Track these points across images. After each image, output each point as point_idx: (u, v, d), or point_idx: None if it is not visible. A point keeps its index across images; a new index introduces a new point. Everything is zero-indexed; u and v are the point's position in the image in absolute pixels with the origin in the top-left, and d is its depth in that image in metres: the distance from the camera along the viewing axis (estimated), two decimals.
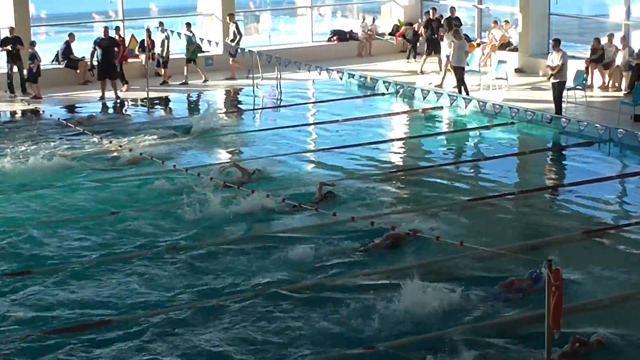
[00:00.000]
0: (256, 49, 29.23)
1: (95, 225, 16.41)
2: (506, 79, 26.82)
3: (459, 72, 25.98)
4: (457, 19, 29.60)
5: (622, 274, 14.13)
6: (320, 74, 27.81)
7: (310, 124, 24.52)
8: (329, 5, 36.47)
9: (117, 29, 28.62)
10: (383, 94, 26.87)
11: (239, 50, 28.95)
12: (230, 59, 29.33)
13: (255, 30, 34.98)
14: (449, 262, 14.58)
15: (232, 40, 29.10)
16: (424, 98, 25.66)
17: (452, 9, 30.11)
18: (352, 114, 24.87)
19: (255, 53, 28.20)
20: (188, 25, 28.95)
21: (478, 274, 14.08)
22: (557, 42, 23.95)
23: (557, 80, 23.57)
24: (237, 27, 29.31)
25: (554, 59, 23.63)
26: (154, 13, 34.75)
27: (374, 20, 33.28)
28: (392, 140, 22.75)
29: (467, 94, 25.63)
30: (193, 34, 28.81)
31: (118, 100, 27.02)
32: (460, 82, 25.92)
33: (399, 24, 33.02)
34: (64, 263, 14.72)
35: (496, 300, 13.17)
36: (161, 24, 28.89)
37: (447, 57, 26.81)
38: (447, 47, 26.79)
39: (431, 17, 29.88)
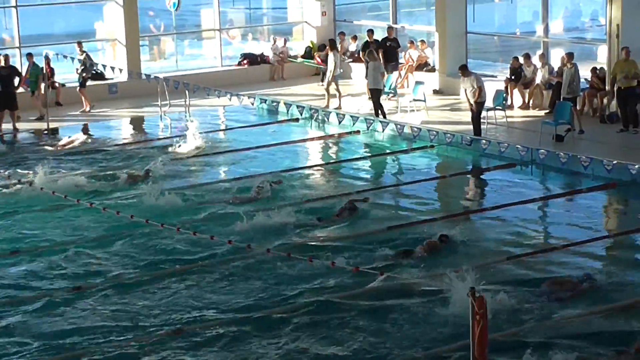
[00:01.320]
0: (163, 74, 28.22)
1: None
2: (424, 101, 26.11)
3: (375, 95, 25.18)
4: (395, 40, 28.73)
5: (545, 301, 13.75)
6: (230, 99, 26.80)
7: (221, 152, 23.27)
8: (238, 27, 35.72)
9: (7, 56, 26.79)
10: (297, 119, 25.90)
11: (88, 80, 27.82)
12: (79, 89, 27.89)
13: (162, 55, 33.91)
14: None
15: (84, 70, 27.66)
16: (340, 122, 24.81)
17: (390, 29, 29.16)
18: (265, 141, 23.95)
19: (161, 79, 27.10)
20: (79, 44, 27.69)
21: None
22: (464, 68, 23.29)
23: (477, 100, 22.88)
24: (87, 56, 27.84)
25: (468, 85, 22.98)
26: (54, 39, 33.38)
27: (285, 42, 32.43)
28: (307, 167, 21.79)
29: (384, 117, 24.86)
30: (87, 57, 27.51)
31: (16, 132, 25.67)
32: (377, 105, 25.12)
33: (311, 46, 32.23)
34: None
35: (547, 300, 13.68)
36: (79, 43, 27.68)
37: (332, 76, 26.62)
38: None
39: (369, 39, 28.72)
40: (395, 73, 28.50)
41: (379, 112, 25.14)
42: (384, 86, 26.20)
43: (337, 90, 27.35)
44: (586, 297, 13.81)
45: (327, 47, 28.31)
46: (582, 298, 13.79)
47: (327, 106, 26.76)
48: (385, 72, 26.64)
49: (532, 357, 11.79)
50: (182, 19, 35.70)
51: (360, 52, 26.12)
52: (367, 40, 28.47)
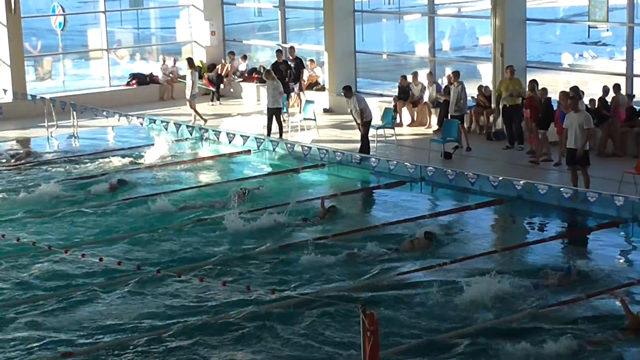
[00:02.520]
0: (49, 95, 27.72)
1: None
2: (315, 120, 26.18)
3: (274, 114, 25.25)
4: (298, 59, 28.56)
5: (434, 319, 13.94)
6: (119, 120, 26.48)
7: (106, 174, 22.86)
8: (127, 47, 35.38)
9: None
10: (187, 139, 25.71)
11: None
12: None
13: (48, 75, 33.39)
14: None
15: None
16: (230, 142, 24.72)
17: (291, 49, 29.04)
18: (155, 161, 23.65)
19: (48, 100, 26.64)
20: None
21: None
22: (347, 89, 23.46)
23: (363, 121, 23.09)
24: None
25: (352, 106, 23.23)
26: None
27: (175, 62, 32.22)
28: (198, 186, 21.57)
29: (281, 135, 25.05)
30: None
31: None
32: (270, 124, 25.23)
33: (201, 66, 32.07)
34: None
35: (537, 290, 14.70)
36: None
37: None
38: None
39: (278, 60, 28.40)
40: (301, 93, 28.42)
41: (280, 130, 25.23)
42: (283, 105, 26.24)
43: (194, 110, 27.46)
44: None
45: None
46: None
47: (205, 122, 26.98)
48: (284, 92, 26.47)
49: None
50: (69, 39, 35.27)
51: (268, 73, 26.07)
52: (276, 61, 28.28)
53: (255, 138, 24.38)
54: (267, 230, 18.17)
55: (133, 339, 13.47)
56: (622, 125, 22.30)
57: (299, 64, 28.33)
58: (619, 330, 13.26)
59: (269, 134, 25.06)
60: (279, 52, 28.56)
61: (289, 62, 28.30)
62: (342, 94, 23.92)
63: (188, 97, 27.50)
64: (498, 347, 12.87)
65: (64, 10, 31.86)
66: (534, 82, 22.89)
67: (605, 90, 22.71)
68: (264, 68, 31.02)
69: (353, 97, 23.26)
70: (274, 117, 25.28)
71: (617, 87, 22.63)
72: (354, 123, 23.86)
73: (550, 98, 22.23)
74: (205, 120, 27.28)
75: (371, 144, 23.50)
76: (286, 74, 27.63)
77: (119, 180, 21.23)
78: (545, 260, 16.27)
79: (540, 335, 13.14)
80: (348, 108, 23.95)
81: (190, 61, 28.00)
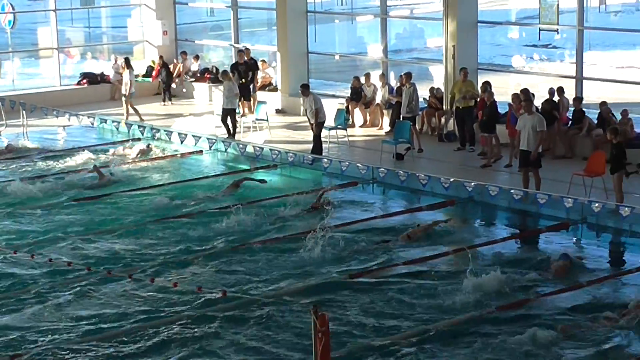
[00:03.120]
0: None
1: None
2: (267, 120, 26.14)
3: (229, 114, 25.26)
4: (252, 60, 28.30)
5: (386, 319, 14.02)
6: (69, 119, 26.28)
7: (55, 174, 22.68)
8: (77, 46, 35.09)
9: None
10: (139, 139, 25.57)
11: None
12: None
13: None
14: None
15: None
16: (182, 142, 24.63)
17: (247, 50, 28.72)
18: (106, 161, 23.51)
19: None
20: None
21: None
22: (305, 87, 23.48)
23: (316, 121, 23.08)
24: None
25: (307, 106, 23.25)
26: None
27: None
28: (149, 187, 21.41)
29: (233, 136, 25.05)
30: None
31: None
32: (226, 122, 25.22)
33: (152, 65, 31.92)
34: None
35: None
36: None
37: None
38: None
39: (239, 60, 28.15)
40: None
41: (230, 129, 25.21)
42: (238, 106, 26.16)
43: (132, 108, 27.57)
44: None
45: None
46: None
47: (141, 120, 27.19)
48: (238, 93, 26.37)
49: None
50: (18, 37, 34.92)
51: (224, 73, 26.02)
52: (236, 62, 28.11)
53: (207, 138, 24.31)
54: (219, 230, 18.14)
55: (83, 340, 13.38)
56: (569, 127, 22.54)
57: (253, 65, 28.21)
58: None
59: (230, 134, 25.05)
60: (240, 52, 28.40)
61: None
62: (300, 91, 23.90)
63: (125, 94, 27.60)
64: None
65: (13, 8, 31.54)
66: (487, 84, 23.02)
67: (551, 92, 22.90)
68: (216, 68, 30.96)
69: (310, 96, 23.26)
70: (228, 118, 25.25)
71: (560, 90, 22.82)
72: (307, 124, 23.88)
73: (495, 101, 22.33)
74: (142, 120, 27.18)
75: (323, 145, 23.51)
76: (245, 75, 27.43)
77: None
78: (496, 261, 16.37)
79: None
80: (303, 107, 23.95)
81: (126, 61, 28.15)
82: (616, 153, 18.30)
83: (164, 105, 30.17)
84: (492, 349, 12.95)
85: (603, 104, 22.37)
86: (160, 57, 31.00)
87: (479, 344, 13.04)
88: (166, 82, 30.45)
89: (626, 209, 17.51)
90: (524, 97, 21.09)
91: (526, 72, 32.13)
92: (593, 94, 24.57)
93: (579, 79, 23.58)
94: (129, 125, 26.19)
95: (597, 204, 17.89)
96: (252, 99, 27.68)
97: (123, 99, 27.94)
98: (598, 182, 19.23)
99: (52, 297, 14.89)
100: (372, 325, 13.84)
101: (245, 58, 28.08)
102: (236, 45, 30.72)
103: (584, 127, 22.32)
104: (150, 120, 27.29)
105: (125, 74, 27.84)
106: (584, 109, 22.81)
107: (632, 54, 36.96)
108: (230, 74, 26.30)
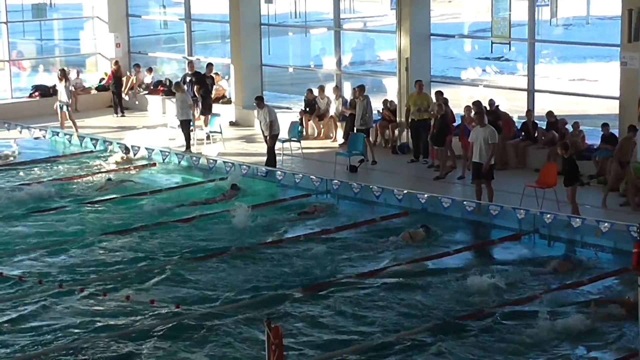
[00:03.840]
0: None
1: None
2: (220, 133, 26.09)
3: (184, 126, 25.23)
4: (198, 74, 27.95)
5: (336, 332, 14.08)
6: (21, 132, 26.10)
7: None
8: (29, 59, 34.83)
9: None
10: (92, 152, 25.43)
11: None
12: None
13: None
14: None
15: None
16: (135, 155, 24.52)
17: (191, 64, 28.58)
18: (58, 174, 23.47)
19: None
20: None
21: None
22: (260, 100, 23.58)
23: (270, 134, 23.10)
24: None
25: (262, 118, 23.30)
26: None
27: (78, 74, 31.80)
28: (101, 201, 21.28)
29: (188, 148, 25.06)
30: None
31: None
32: (188, 135, 25.22)
33: (105, 77, 31.74)
34: None
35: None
36: None
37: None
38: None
39: (188, 71, 27.98)
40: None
41: (189, 142, 25.18)
42: (193, 117, 26.07)
43: (70, 119, 27.51)
44: None
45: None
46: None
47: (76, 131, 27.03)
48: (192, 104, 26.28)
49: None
50: None
51: (177, 85, 25.98)
52: (185, 73, 27.95)
53: (161, 151, 24.23)
54: (175, 243, 18.11)
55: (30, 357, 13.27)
56: (521, 139, 22.77)
57: (199, 78, 27.93)
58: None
59: (188, 146, 25.05)
60: (209, 65, 28.27)
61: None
62: (254, 104, 23.88)
63: (61, 106, 27.60)
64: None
65: None
66: (439, 97, 23.12)
67: (491, 103, 23.08)
68: (169, 81, 30.88)
69: (265, 108, 23.27)
70: (183, 129, 25.19)
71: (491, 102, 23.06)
72: (261, 136, 23.87)
73: (445, 114, 22.43)
74: (77, 130, 27.11)
75: (277, 157, 23.51)
76: (193, 87, 27.29)
77: None
78: (451, 271, 16.47)
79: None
80: (257, 119, 23.95)
81: (62, 72, 28.06)
82: (568, 167, 18.47)
83: (116, 117, 29.98)
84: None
85: (550, 114, 22.64)
86: (116, 62, 30.74)
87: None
88: (116, 93, 30.27)
89: (577, 220, 17.69)
90: (476, 109, 21.24)
91: (479, 84, 32.34)
92: (544, 106, 24.79)
93: (531, 91, 23.79)
94: (81, 138, 26.06)
95: (548, 215, 18.06)
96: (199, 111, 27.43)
97: (65, 110, 27.70)
98: (550, 193, 19.40)
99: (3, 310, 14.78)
100: (323, 338, 13.85)
101: (207, 72, 27.98)
102: (189, 58, 30.65)
103: (537, 140, 22.55)
104: (103, 132, 27.11)
105: (60, 85, 27.73)
106: (536, 121, 23.03)
107: (583, 67, 37.39)
108: (182, 85, 26.27)
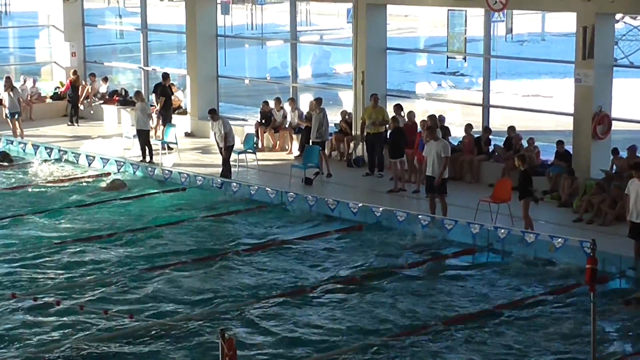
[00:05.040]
0: None
1: None
2: (176, 143, 25.99)
3: (142, 136, 25.04)
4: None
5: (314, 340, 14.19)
6: None
7: None
8: None
9: None
10: (45, 161, 25.27)
11: None
12: None
13: None
14: None
15: None
16: (89, 164, 24.42)
17: (167, 75, 27.92)
18: (5, 184, 23.41)
19: None
20: None
21: None
22: (213, 112, 23.58)
23: (225, 145, 23.05)
24: None
25: (216, 130, 23.28)
26: None
27: (34, 82, 31.58)
28: (56, 209, 21.16)
29: (151, 158, 24.89)
30: None
31: None
32: (143, 147, 25.00)
33: (60, 86, 31.53)
34: None
35: None
36: None
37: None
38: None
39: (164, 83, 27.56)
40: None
41: (146, 152, 24.97)
42: (151, 128, 26.00)
43: (18, 126, 27.56)
44: None
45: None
46: None
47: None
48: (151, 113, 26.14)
49: None
50: None
51: (137, 94, 25.87)
52: (160, 83, 27.78)
53: (116, 161, 24.12)
54: (132, 253, 18.08)
55: None
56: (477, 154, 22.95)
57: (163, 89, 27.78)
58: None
59: (144, 156, 24.89)
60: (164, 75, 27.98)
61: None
62: (208, 117, 23.86)
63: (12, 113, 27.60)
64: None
65: None
66: (398, 110, 23.25)
67: (441, 118, 23.26)
68: (125, 90, 30.75)
69: (219, 120, 23.25)
70: (140, 139, 25.06)
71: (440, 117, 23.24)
72: (216, 148, 23.83)
73: (400, 127, 22.51)
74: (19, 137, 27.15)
75: (232, 169, 23.46)
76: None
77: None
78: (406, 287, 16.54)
79: None
80: (212, 131, 23.93)
81: (7, 80, 28.09)
82: (523, 180, 18.61)
83: (70, 125, 29.78)
84: None
85: (512, 129, 22.82)
86: (75, 71, 30.54)
87: None
88: (72, 102, 30.08)
89: (531, 235, 17.82)
90: (430, 123, 21.34)
91: (434, 99, 32.54)
92: (499, 122, 25.01)
93: (486, 106, 23.96)
94: (36, 147, 25.88)
95: (502, 230, 18.18)
96: (157, 122, 27.32)
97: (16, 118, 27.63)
98: (504, 208, 19.52)
99: None
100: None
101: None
102: (145, 68, 30.52)
103: (490, 156, 22.74)
104: (58, 142, 26.94)
105: (5, 95, 27.76)
106: (490, 137, 23.20)
107: (538, 83, 37.76)
108: (143, 95, 26.16)
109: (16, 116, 27.64)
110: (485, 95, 24.02)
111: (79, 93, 30.46)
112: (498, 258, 18.44)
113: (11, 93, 27.71)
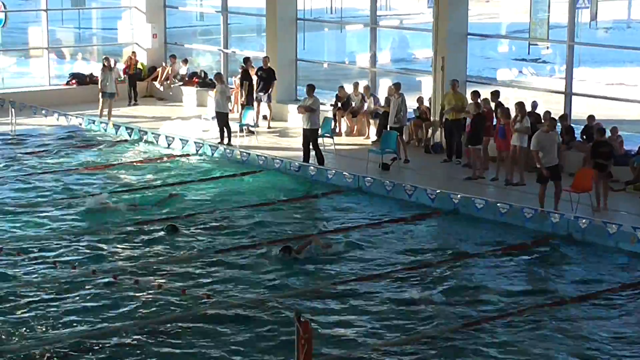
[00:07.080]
0: None
1: None
2: (254, 126, 26.06)
3: (220, 118, 25.10)
4: (271, 70, 27.50)
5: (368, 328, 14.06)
6: (58, 119, 26.27)
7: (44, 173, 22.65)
8: (67, 47, 35.00)
9: None
10: (126, 141, 25.54)
11: None
12: None
13: None
14: None
15: None
16: (169, 145, 24.63)
17: (265, 58, 27.79)
18: (95, 163, 23.68)
19: None
20: None
21: None
22: (311, 88, 23.32)
23: (309, 128, 22.95)
24: None
25: (307, 103, 23.13)
26: None
27: (115, 63, 31.83)
28: (136, 189, 21.38)
29: (229, 140, 24.91)
30: None
31: None
32: (222, 128, 25.06)
33: (142, 68, 31.82)
34: None
35: None
36: None
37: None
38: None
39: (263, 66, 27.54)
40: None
41: (224, 135, 25.01)
42: (230, 110, 26.03)
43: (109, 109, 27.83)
44: None
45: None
46: None
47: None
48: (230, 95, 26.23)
49: None
50: (9, 36, 34.84)
51: (218, 76, 25.96)
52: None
53: (195, 142, 24.28)
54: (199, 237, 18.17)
55: None
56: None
57: (271, 74, 27.63)
58: None
59: (222, 139, 24.94)
60: (266, 57, 27.77)
61: (259, 72, 27.42)
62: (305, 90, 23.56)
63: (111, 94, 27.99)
64: None
65: (5, 7, 31.48)
66: (476, 96, 22.91)
67: (534, 105, 22.93)
68: (204, 72, 30.93)
69: (313, 98, 23.02)
70: (219, 121, 25.11)
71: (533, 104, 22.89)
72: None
73: (482, 114, 22.16)
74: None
75: (310, 153, 23.30)
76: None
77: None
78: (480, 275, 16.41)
79: None
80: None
81: (106, 60, 28.36)
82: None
83: (131, 106, 30.10)
84: None
85: (591, 118, 22.42)
86: (133, 52, 30.89)
87: None
88: (131, 82, 30.43)
89: (613, 226, 17.54)
90: (548, 116, 20.84)
91: (515, 85, 32.15)
92: (582, 110, 24.60)
93: (568, 94, 23.59)
94: (117, 127, 26.18)
95: (584, 220, 17.92)
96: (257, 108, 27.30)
97: (101, 98, 27.92)
98: (585, 198, 19.23)
99: None
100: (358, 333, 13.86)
101: (263, 66, 27.52)
102: (225, 50, 30.62)
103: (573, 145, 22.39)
104: (138, 122, 27.23)
105: (101, 73, 28.04)
106: (572, 125, 22.85)
107: (622, 71, 37.09)
108: (223, 77, 26.23)
109: (114, 97, 27.96)
110: (567, 82, 23.63)
111: (159, 74, 30.74)
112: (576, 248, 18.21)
113: (111, 74, 27.98)
